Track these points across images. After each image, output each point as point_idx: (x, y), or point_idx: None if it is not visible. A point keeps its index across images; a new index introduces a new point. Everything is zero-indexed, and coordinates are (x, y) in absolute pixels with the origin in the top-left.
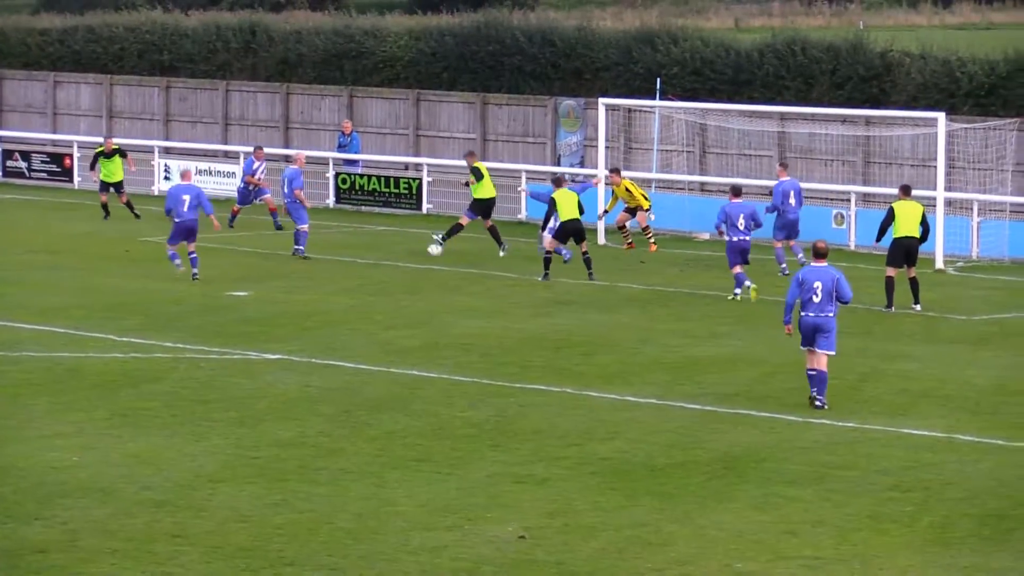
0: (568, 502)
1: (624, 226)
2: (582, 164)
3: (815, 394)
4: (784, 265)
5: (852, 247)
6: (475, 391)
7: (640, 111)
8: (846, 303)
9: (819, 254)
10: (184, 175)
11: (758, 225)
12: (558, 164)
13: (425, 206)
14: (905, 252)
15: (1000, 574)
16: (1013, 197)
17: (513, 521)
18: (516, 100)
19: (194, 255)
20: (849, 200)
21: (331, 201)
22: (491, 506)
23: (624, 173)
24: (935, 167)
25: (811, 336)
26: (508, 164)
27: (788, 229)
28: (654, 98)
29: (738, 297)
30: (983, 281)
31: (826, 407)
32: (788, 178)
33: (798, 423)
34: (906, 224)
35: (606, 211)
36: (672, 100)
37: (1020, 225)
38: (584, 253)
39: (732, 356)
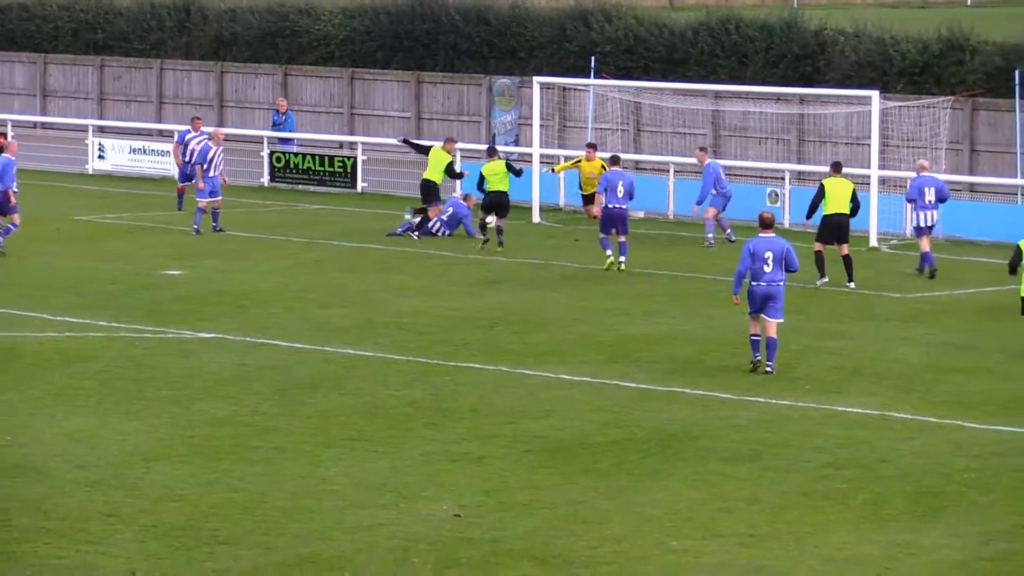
0: (503, 480)
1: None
2: (517, 143)
3: (757, 359)
4: (711, 236)
5: (786, 224)
6: (410, 370)
7: (575, 89)
8: (794, 272)
9: (766, 224)
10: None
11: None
12: (492, 142)
13: (360, 185)
14: (835, 228)
15: (933, 551)
16: (947, 175)
17: (448, 499)
18: (451, 79)
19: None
20: (783, 178)
21: (265, 180)
22: (426, 484)
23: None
24: (869, 145)
25: (761, 304)
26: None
27: (725, 202)
28: (588, 76)
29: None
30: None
31: (774, 373)
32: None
33: (733, 401)
34: (836, 201)
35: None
36: (606, 78)
37: (953, 203)
38: (499, 226)
39: (666, 334)
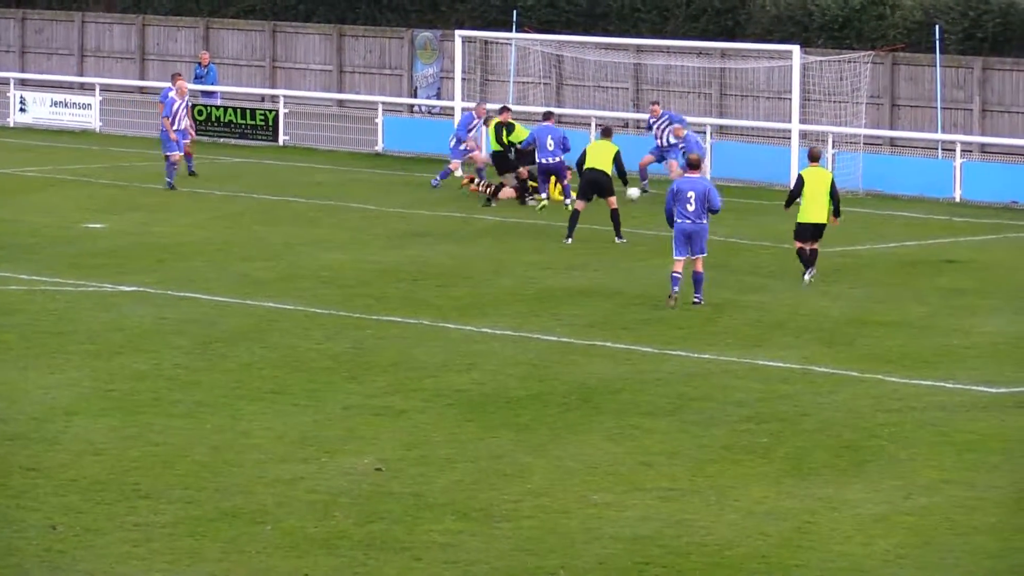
0: (424, 434)
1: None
2: (438, 96)
3: (675, 293)
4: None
5: (708, 178)
6: (331, 323)
7: (496, 43)
8: (716, 212)
9: (693, 165)
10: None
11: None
12: (415, 96)
13: (281, 138)
14: (811, 230)
15: (855, 505)
16: (867, 130)
17: (369, 453)
18: (373, 32)
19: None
20: (705, 132)
21: None
22: (348, 438)
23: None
24: (790, 100)
25: (685, 242)
26: (365, 96)
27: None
28: (511, 30)
29: None
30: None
31: (702, 303)
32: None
33: (654, 354)
34: (813, 205)
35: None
36: (528, 32)
37: (874, 157)
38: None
39: (588, 288)
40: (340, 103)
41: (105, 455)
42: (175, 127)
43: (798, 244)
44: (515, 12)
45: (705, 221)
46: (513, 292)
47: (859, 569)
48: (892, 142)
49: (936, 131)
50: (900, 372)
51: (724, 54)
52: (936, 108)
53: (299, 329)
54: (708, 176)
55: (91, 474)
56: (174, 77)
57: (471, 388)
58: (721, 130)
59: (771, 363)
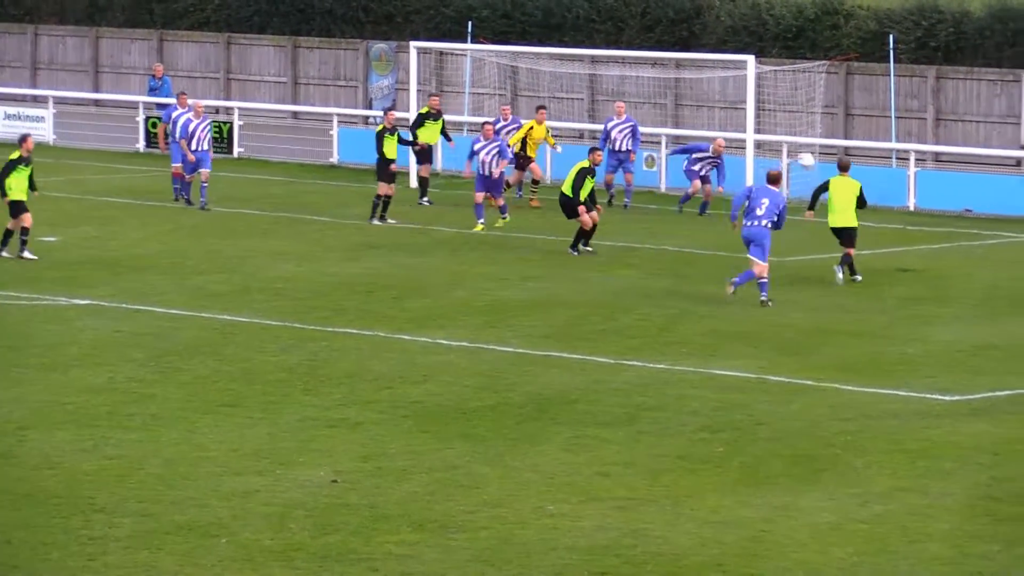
0: (380, 445)
1: (537, 180)
2: (394, 108)
3: (735, 284)
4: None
5: (663, 189)
6: (287, 335)
7: (452, 54)
8: (779, 228)
9: (772, 180)
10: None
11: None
12: (370, 107)
13: (236, 150)
14: (840, 234)
15: (810, 513)
16: (822, 139)
17: (325, 465)
18: (327, 43)
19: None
20: (660, 143)
21: (141, 145)
22: (303, 450)
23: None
24: (745, 110)
25: (747, 245)
26: (319, 108)
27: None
28: (466, 41)
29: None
30: (793, 223)
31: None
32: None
33: (609, 365)
34: (840, 211)
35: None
36: (483, 43)
37: (829, 167)
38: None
39: (543, 299)
40: (295, 115)
41: (60, 469)
42: (195, 148)
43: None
44: (470, 23)
45: (768, 228)
46: (468, 303)
47: None
48: (847, 151)
49: (890, 140)
50: (855, 381)
51: (679, 64)
52: (890, 117)
53: (254, 341)
54: (663, 186)
55: (47, 488)
56: (180, 97)
57: (427, 399)
58: (676, 140)
59: (727, 372)
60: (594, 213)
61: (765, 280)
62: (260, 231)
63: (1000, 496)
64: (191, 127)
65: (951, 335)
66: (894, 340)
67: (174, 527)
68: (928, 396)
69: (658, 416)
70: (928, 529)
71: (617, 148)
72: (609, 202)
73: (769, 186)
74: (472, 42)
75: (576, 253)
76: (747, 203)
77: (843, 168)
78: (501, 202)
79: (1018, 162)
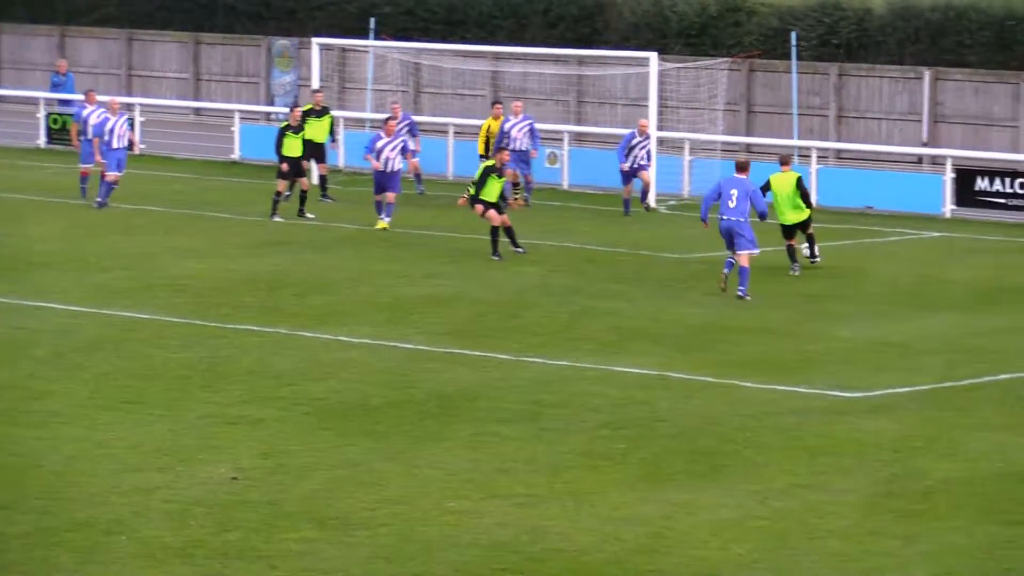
0: (281, 442)
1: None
2: (296, 104)
3: (724, 275)
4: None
5: (565, 186)
6: (188, 332)
7: (354, 51)
8: (761, 215)
9: (741, 168)
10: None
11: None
12: (272, 104)
13: (138, 146)
14: (785, 230)
15: (711, 509)
16: (724, 136)
17: (226, 462)
18: (230, 40)
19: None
20: (562, 140)
21: (42, 141)
22: (203, 447)
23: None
24: (647, 106)
25: (726, 238)
26: (222, 104)
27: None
28: (368, 38)
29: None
30: (694, 220)
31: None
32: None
33: (511, 362)
34: (781, 209)
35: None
36: (386, 40)
37: (731, 164)
38: (303, 191)
39: (446, 296)
40: (197, 111)
41: None
42: (116, 147)
43: (786, 241)
44: (372, 20)
45: (745, 219)
46: (371, 300)
47: (714, 573)
48: (749, 148)
49: (792, 137)
50: (756, 377)
51: (581, 61)
52: (792, 114)
53: (156, 338)
54: (565, 183)
55: None
56: (88, 94)
57: (328, 396)
58: (578, 137)
59: (628, 369)
60: (494, 211)
61: (733, 261)
62: (162, 228)
63: (900, 493)
64: (108, 124)
65: (852, 332)
66: (795, 337)
67: (74, 524)
68: (828, 393)
69: (560, 413)
70: (828, 525)
71: (517, 147)
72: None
73: (736, 175)
74: (375, 39)
75: (520, 250)
76: (719, 199)
77: (784, 163)
78: (391, 199)
79: (919, 159)
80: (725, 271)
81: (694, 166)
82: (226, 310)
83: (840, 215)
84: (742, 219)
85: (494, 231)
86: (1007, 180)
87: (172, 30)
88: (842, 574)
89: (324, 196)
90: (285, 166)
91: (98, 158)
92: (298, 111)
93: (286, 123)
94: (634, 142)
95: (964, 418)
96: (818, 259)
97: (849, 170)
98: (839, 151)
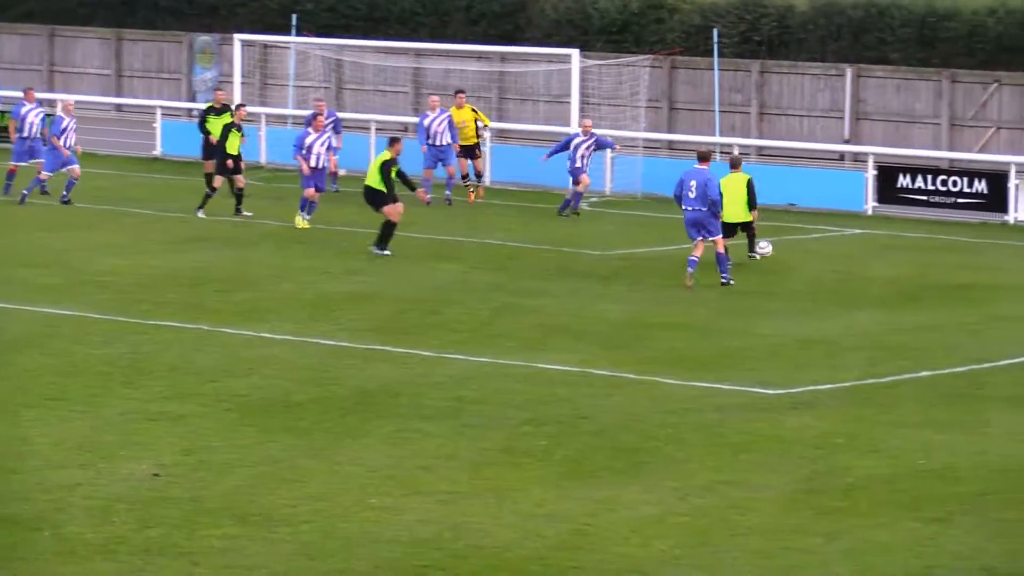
0: (203, 439)
1: (467, 175)
2: (242, 104)
3: (690, 274)
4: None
5: (488, 183)
6: (110, 328)
7: (276, 47)
8: (714, 202)
9: (702, 158)
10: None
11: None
12: (194, 100)
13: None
14: (728, 229)
15: (632, 506)
16: (646, 133)
17: (148, 459)
18: (151, 36)
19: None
20: (484, 136)
21: None
22: (126, 444)
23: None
24: (569, 103)
25: (693, 228)
26: (143, 100)
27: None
28: (290, 34)
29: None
30: (617, 216)
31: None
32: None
33: (433, 358)
34: (729, 205)
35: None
36: (308, 36)
37: (653, 160)
38: (239, 188)
39: (367, 292)
40: (118, 107)
41: None
42: (67, 146)
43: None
44: (294, 16)
45: (707, 208)
46: (293, 297)
47: (636, 570)
48: (671, 145)
49: (714, 134)
50: (678, 374)
51: (504, 58)
52: (714, 111)
53: (78, 334)
54: (488, 180)
55: None
56: (27, 92)
57: (250, 393)
58: (500, 134)
59: (550, 366)
60: (400, 205)
61: (697, 259)
62: (85, 224)
63: (822, 489)
64: (63, 124)
65: (774, 329)
66: (717, 333)
67: None
68: (751, 390)
69: (481, 409)
70: (749, 522)
71: (437, 143)
72: (465, 179)
73: (697, 166)
74: (297, 35)
75: (386, 253)
76: (682, 189)
77: (734, 165)
78: (314, 195)
79: (841, 156)
80: (690, 270)
81: (616, 163)
82: (148, 306)
83: (762, 212)
84: (705, 208)
85: (391, 226)
86: (929, 177)
87: (94, 26)
88: (763, 571)
89: (238, 211)
90: (231, 162)
91: (66, 154)
92: (243, 110)
93: (230, 120)
94: (577, 141)
95: (886, 415)
96: (756, 255)
97: (771, 167)
98: (761, 148)
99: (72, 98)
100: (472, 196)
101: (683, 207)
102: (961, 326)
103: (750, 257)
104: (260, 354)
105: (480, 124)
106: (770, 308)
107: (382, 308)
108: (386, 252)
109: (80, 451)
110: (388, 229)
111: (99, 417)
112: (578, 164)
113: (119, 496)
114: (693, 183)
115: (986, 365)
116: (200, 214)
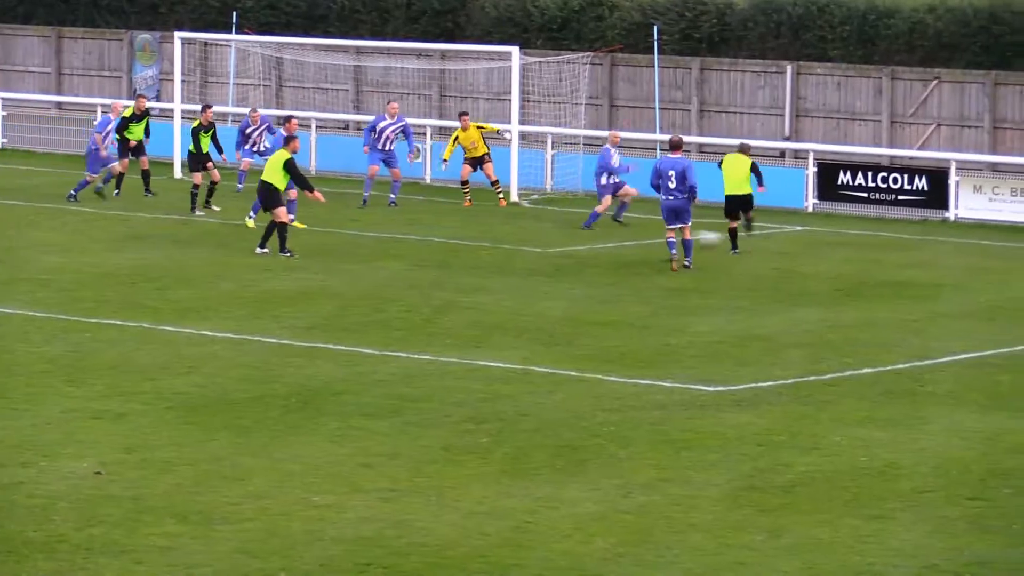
0: (144, 437)
1: (466, 181)
2: (158, 98)
3: (674, 256)
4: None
5: (428, 180)
6: (50, 326)
7: (216, 45)
8: (692, 189)
9: (674, 146)
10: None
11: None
12: (134, 98)
13: (0, 140)
14: (738, 204)
15: (574, 503)
16: (586, 130)
17: (89, 457)
18: (92, 34)
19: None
20: (425, 134)
21: None
22: (67, 442)
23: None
24: (509, 101)
25: (671, 215)
26: (84, 98)
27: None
28: (230, 32)
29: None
30: (557, 213)
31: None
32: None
33: (374, 356)
34: (731, 182)
35: (445, 160)
36: (248, 34)
37: (593, 158)
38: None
39: (308, 290)
40: (59, 105)
41: None
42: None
43: (731, 223)
44: (235, 14)
45: (686, 196)
46: (234, 295)
47: (578, 567)
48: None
49: (655, 131)
50: (619, 372)
51: (444, 55)
52: (655, 108)
53: (18, 332)
54: (428, 177)
55: None
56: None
57: (191, 391)
58: (441, 132)
59: (491, 364)
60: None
61: (675, 240)
62: (26, 222)
63: (763, 487)
64: (109, 125)
65: (714, 326)
66: (658, 331)
67: None
68: (692, 387)
69: (423, 407)
70: (691, 519)
71: (386, 148)
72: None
73: (671, 155)
74: (237, 33)
75: (267, 251)
76: (660, 179)
77: (743, 151)
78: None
79: (782, 153)
80: (673, 252)
81: (556, 160)
82: (89, 304)
83: (701, 209)
84: (685, 195)
85: (283, 227)
86: (869, 174)
87: (34, 24)
88: (705, 568)
89: (148, 191)
90: (211, 164)
91: (104, 154)
92: (210, 112)
93: (198, 122)
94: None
95: (827, 412)
96: (747, 234)
97: (711, 164)
98: (701, 145)
99: (1, 95)
100: (503, 201)
101: (662, 196)
102: (902, 323)
103: (748, 234)
104: (202, 352)
105: (487, 134)
106: (710, 305)
107: (324, 306)
108: (266, 251)
109: (21, 449)
110: (273, 229)
111: (40, 415)
112: (607, 182)
113: (61, 494)
114: (672, 172)
115: (927, 362)
116: (197, 213)
